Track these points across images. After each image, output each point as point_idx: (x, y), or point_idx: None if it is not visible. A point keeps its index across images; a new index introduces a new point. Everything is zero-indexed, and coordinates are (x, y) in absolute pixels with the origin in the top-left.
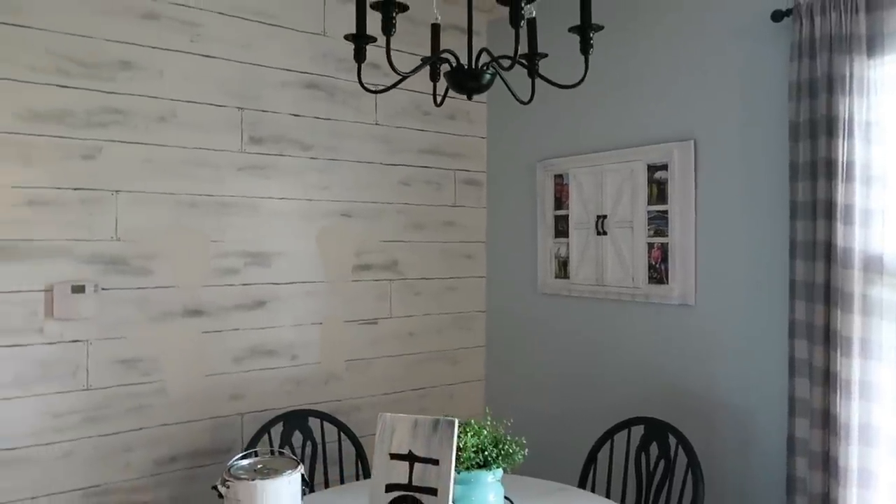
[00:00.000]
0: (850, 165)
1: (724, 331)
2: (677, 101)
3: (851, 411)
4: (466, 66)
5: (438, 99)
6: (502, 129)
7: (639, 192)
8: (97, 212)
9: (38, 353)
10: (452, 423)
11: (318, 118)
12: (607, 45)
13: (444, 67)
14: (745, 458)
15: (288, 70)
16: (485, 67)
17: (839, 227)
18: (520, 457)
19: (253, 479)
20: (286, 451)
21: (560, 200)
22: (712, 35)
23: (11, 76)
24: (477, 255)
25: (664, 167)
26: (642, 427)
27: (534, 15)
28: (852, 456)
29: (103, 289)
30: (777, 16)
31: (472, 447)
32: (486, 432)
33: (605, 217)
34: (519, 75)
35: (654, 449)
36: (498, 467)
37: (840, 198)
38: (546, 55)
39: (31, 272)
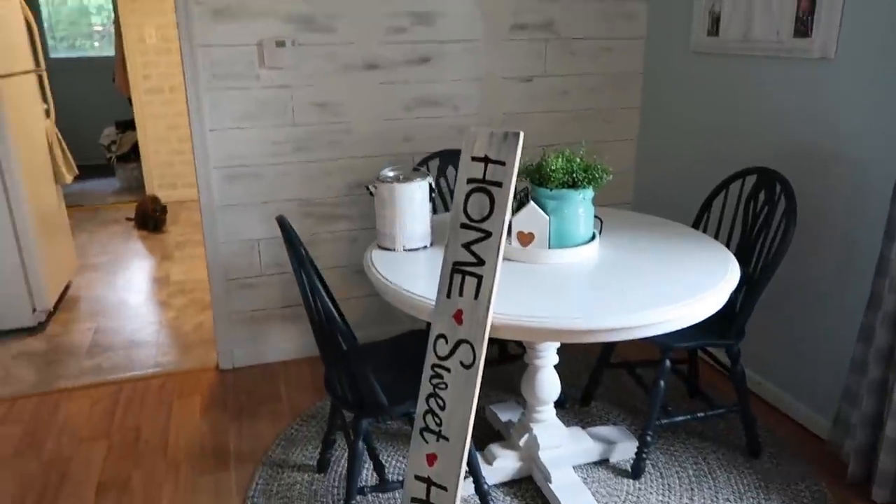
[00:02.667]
0: None
1: (858, 85)
2: None
3: None
4: None
5: None
6: None
7: None
8: None
9: (257, 94)
10: (518, 134)
11: None
12: None
13: None
14: (853, 204)
15: None
16: None
17: None
18: (604, 180)
19: (392, 183)
20: (442, 181)
21: None
22: None
23: None
24: (635, 16)
25: None
26: (755, 176)
27: None
28: None
29: (299, 44)
30: None
31: (561, 170)
32: (579, 160)
33: None
34: None
35: (762, 196)
36: (585, 188)
37: None
38: None
39: (245, 29)
